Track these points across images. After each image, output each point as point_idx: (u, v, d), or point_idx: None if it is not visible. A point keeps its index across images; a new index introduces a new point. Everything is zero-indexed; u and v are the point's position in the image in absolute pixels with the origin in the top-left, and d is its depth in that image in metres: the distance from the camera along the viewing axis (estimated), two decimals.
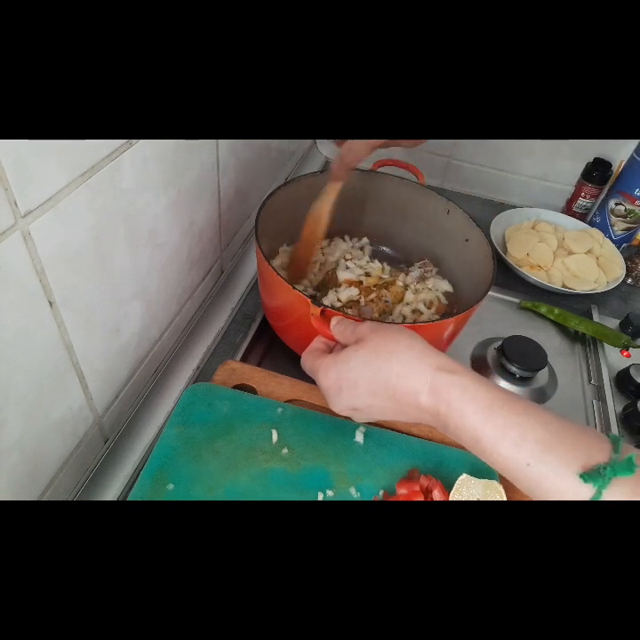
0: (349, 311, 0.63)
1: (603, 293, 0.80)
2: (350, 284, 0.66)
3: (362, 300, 0.65)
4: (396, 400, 0.37)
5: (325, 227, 0.62)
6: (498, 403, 0.34)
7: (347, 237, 0.76)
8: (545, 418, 0.33)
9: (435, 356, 0.37)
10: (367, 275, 0.68)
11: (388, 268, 0.71)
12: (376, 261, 0.71)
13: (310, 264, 0.68)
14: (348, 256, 0.71)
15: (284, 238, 0.72)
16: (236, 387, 0.55)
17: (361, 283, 0.66)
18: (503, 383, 0.66)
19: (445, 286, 0.71)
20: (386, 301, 0.65)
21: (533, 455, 0.32)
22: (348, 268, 0.69)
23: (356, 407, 0.40)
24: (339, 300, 0.64)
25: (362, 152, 0.51)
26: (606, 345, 0.73)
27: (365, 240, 0.75)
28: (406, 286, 0.68)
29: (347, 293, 0.64)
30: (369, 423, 0.53)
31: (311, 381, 0.57)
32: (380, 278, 0.68)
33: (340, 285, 0.66)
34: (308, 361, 0.44)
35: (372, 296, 0.65)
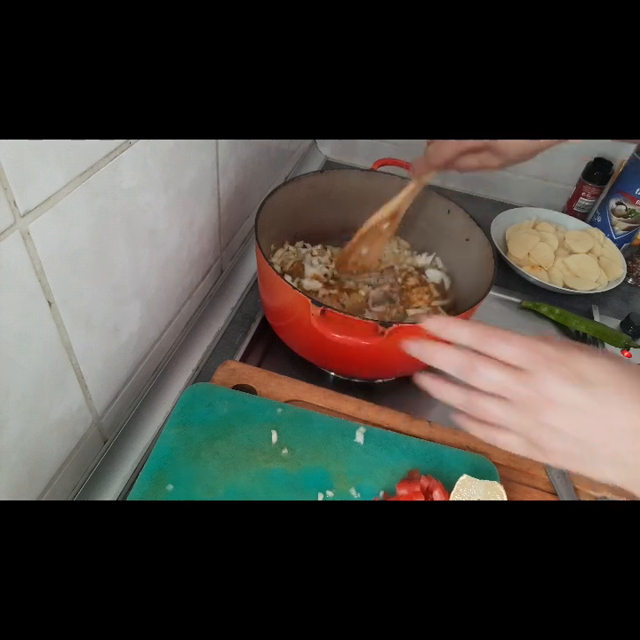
0: None
1: (603, 293, 0.80)
2: (317, 278, 0.68)
3: (320, 293, 0.66)
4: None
5: (398, 224, 0.62)
6: None
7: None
8: None
9: None
10: (334, 277, 0.69)
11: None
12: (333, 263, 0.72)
13: (375, 260, 0.68)
14: (314, 253, 0.71)
15: (283, 238, 0.72)
16: (236, 387, 0.55)
17: (327, 282, 0.68)
18: None
19: (440, 276, 0.71)
20: (342, 305, 0.66)
21: None
22: (312, 264, 0.70)
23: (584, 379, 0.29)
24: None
25: (447, 154, 0.49)
26: (607, 345, 0.72)
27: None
28: (367, 298, 0.68)
29: (311, 285, 0.66)
30: (369, 423, 0.53)
31: (311, 381, 0.57)
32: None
33: (304, 277, 0.68)
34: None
35: (332, 291, 0.66)
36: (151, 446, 0.53)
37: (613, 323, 0.76)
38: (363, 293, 0.68)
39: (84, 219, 0.39)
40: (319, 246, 0.74)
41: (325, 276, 0.69)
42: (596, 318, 0.76)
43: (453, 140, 0.48)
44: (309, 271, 0.68)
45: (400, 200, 0.59)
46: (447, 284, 0.71)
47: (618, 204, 0.87)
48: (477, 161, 0.49)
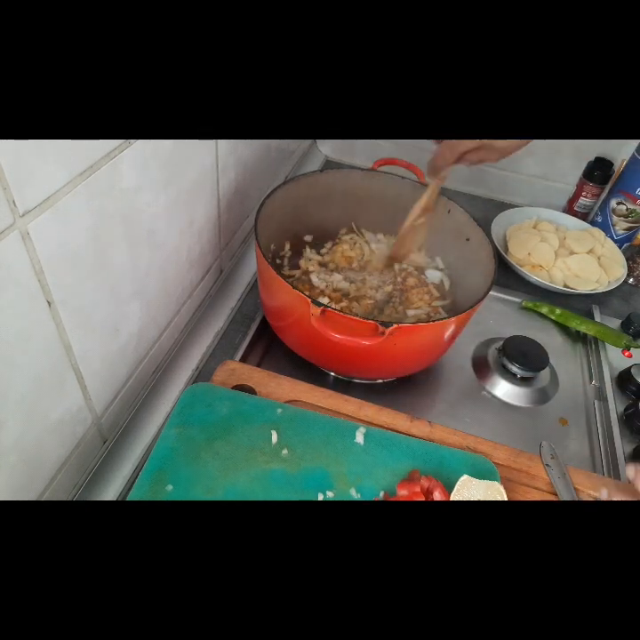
0: None
1: (604, 293, 0.80)
2: (322, 294, 0.68)
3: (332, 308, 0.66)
4: None
5: (431, 217, 0.67)
6: None
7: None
8: None
9: None
10: (336, 291, 0.68)
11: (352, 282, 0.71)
12: (334, 274, 0.71)
13: (414, 249, 0.72)
14: (312, 268, 0.71)
15: (283, 238, 0.72)
16: (236, 387, 0.55)
17: (330, 294, 0.68)
18: (504, 383, 0.66)
19: (440, 276, 0.71)
20: (356, 314, 0.65)
21: None
22: (318, 278, 0.70)
23: None
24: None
25: (461, 150, 0.55)
26: (608, 345, 0.72)
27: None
28: (376, 301, 0.68)
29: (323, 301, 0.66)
30: (369, 423, 0.53)
31: (311, 381, 0.57)
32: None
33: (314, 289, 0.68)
34: None
35: (342, 305, 0.66)
36: (151, 446, 0.53)
37: (614, 323, 0.76)
38: (371, 301, 0.67)
39: (84, 218, 0.39)
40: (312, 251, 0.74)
41: (327, 287, 0.68)
42: (597, 318, 0.76)
43: (457, 145, 0.55)
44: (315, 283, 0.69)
45: (427, 198, 0.64)
46: (447, 285, 0.71)
47: (618, 203, 0.87)
48: (479, 157, 0.56)
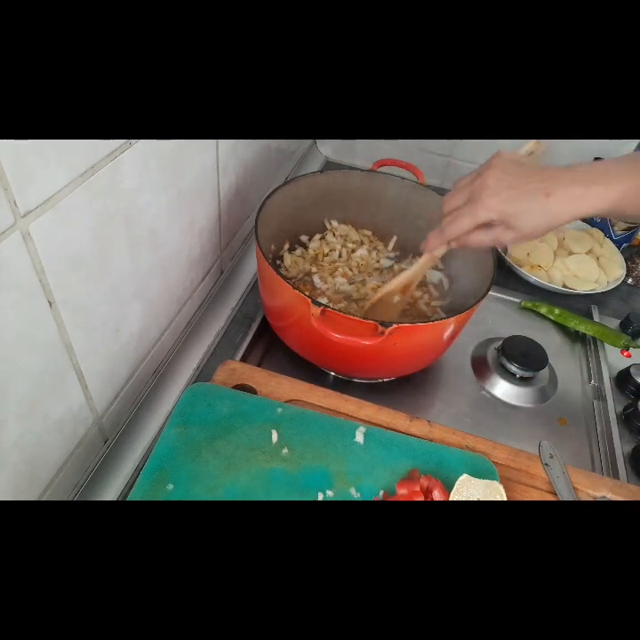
0: None
1: (603, 293, 0.80)
2: (322, 294, 0.68)
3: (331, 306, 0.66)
4: None
5: (410, 297, 0.63)
6: None
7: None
8: None
9: None
10: (337, 293, 0.68)
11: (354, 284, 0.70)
12: (338, 276, 0.70)
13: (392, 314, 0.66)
14: (314, 269, 0.71)
15: (284, 238, 0.72)
16: (236, 387, 0.55)
17: (329, 297, 0.68)
18: (503, 383, 0.66)
19: (439, 276, 0.72)
20: (355, 314, 0.65)
21: None
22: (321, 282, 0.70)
23: None
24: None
25: (464, 227, 0.49)
26: (606, 345, 0.73)
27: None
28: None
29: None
30: (369, 423, 0.53)
31: (311, 381, 0.57)
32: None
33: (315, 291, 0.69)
34: None
35: (340, 306, 0.66)
36: (152, 446, 0.53)
37: (613, 323, 0.76)
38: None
39: (85, 219, 0.39)
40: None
41: (328, 289, 0.69)
42: (596, 318, 0.76)
43: (469, 215, 0.48)
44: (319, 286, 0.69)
45: (412, 273, 0.58)
46: (446, 285, 0.71)
47: None
48: (491, 236, 0.48)
